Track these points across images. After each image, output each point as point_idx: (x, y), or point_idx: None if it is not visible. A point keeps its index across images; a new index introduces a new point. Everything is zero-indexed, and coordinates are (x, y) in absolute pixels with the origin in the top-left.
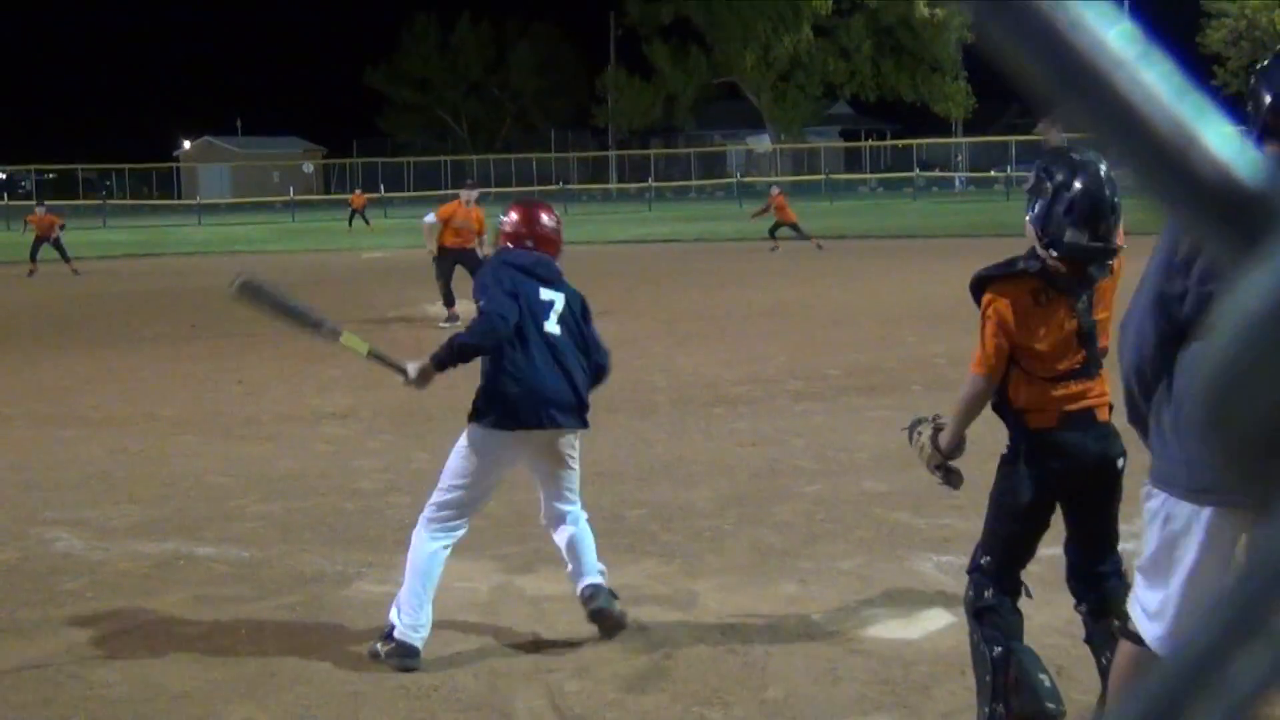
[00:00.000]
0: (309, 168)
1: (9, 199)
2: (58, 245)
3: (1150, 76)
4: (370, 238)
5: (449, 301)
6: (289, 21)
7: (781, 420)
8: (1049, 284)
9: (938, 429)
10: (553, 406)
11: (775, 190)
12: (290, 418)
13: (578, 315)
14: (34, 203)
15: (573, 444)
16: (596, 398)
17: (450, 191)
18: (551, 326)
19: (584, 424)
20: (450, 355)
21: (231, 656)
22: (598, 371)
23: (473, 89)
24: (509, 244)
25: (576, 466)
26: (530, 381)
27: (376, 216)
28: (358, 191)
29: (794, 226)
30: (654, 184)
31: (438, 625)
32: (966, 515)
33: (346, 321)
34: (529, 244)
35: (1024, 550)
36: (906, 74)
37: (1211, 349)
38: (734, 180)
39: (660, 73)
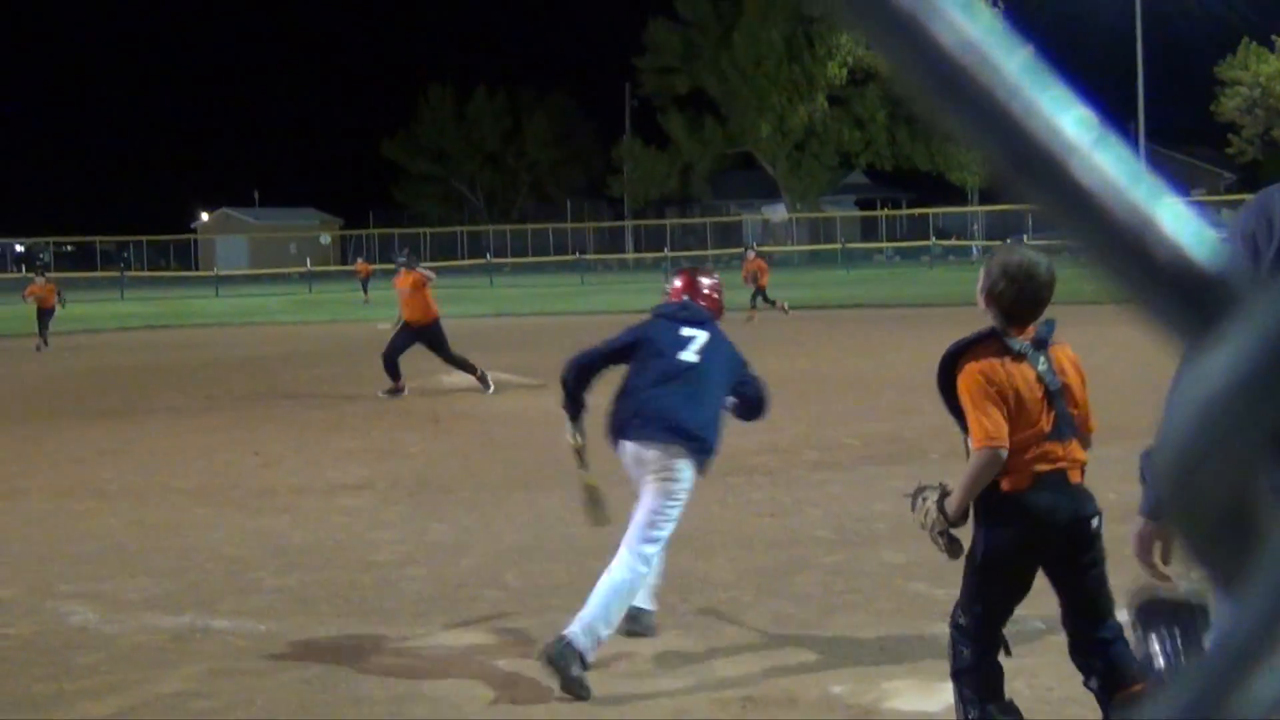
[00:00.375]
0: (326, 239)
1: (26, 271)
2: (46, 315)
3: (1105, 161)
4: (388, 309)
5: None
6: (305, 94)
7: (799, 490)
8: (1006, 347)
9: (944, 494)
10: (658, 425)
11: (750, 253)
12: (306, 489)
13: (725, 352)
14: (44, 276)
15: (679, 471)
16: (612, 469)
17: (469, 261)
18: (688, 355)
19: (691, 451)
20: (563, 389)
21: None
22: (753, 401)
23: (489, 159)
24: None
25: (673, 495)
26: (643, 400)
27: (390, 287)
28: (360, 260)
29: (760, 292)
30: (670, 253)
31: (446, 695)
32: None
33: (362, 393)
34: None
35: (1002, 610)
36: (921, 143)
37: (1170, 431)
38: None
39: (676, 143)
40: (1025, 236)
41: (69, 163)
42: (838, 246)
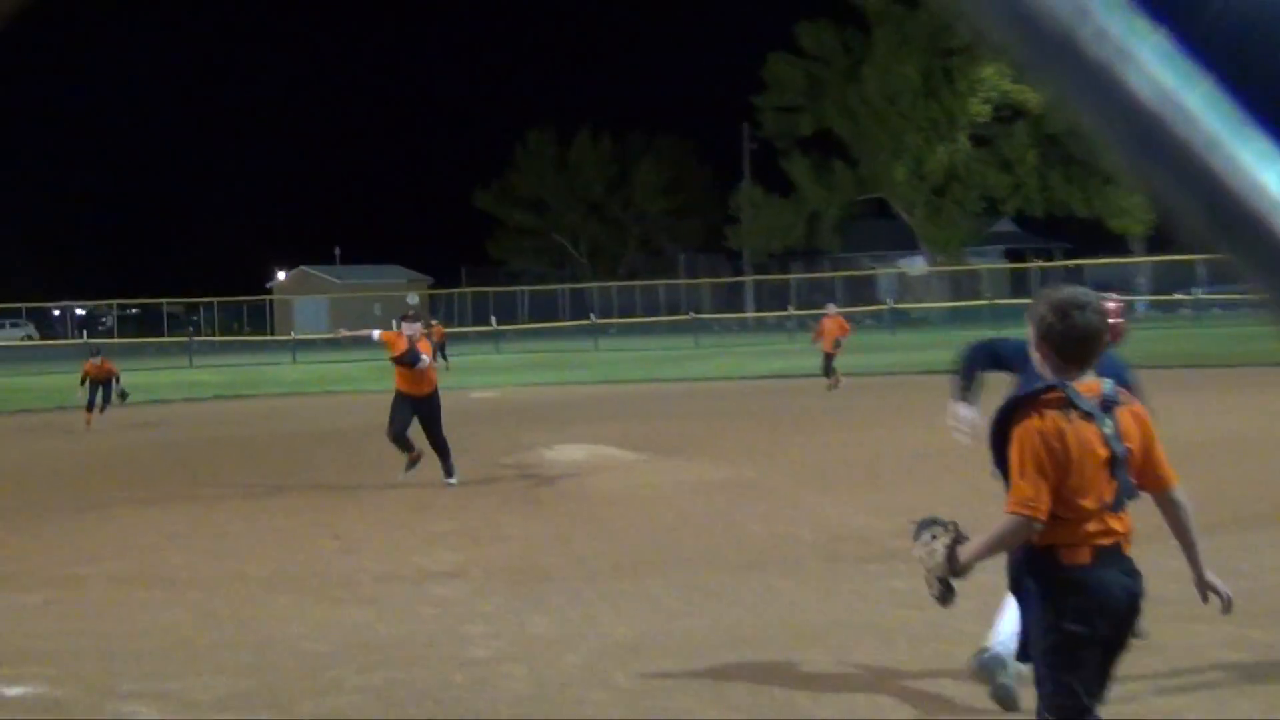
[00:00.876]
0: (414, 299)
1: (88, 336)
2: (105, 390)
3: None
4: (474, 375)
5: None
6: (390, 142)
7: None
8: (1073, 404)
9: (957, 540)
10: None
11: (831, 308)
12: (392, 577)
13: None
14: (100, 355)
15: None
16: (734, 552)
17: (572, 323)
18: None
19: None
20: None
21: None
22: None
23: (593, 210)
24: None
25: None
26: None
27: (488, 351)
28: (435, 323)
29: (827, 358)
30: (794, 312)
31: None
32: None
33: (459, 470)
34: None
35: (1091, 700)
36: (1077, 186)
37: None
38: (886, 307)
39: (800, 189)
40: (1198, 290)
41: (134, 220)
42: (984, 303)
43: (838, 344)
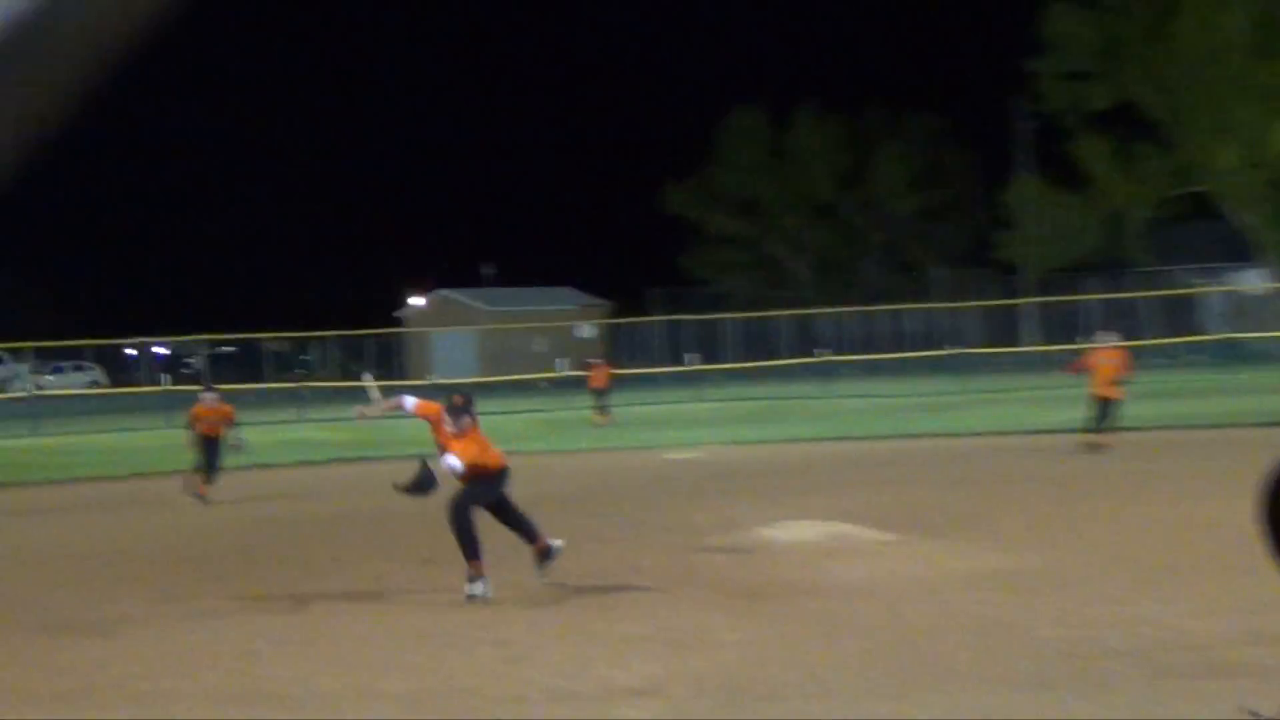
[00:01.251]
0: (587, 330)
1: (173, 382)
2: (211, 447)
3: None
4: (677, 429)
5: None
6: (557, 130)
7: None
8: None
9: None
10: None
11: (1109, 337)
12: (570, 695)
13: None
14: (213, 389)
15: None
16: (1019, 665)
17: (792, 361)
18: None
19: None
20: None
21: None
22: None
23: (820, 212)
24: None
25: None
26: None
27: (685, 398)
28: (597, 362)
29: (1103, 405)
30: (1085, 344)
31: None
32: None
33: (649, 554)
34: None
35: None
36: None
37: None
38: (1213, 338)
39: (1094, 181)
40: None
41: (226, 238)
42: None
43: (1115, 383)
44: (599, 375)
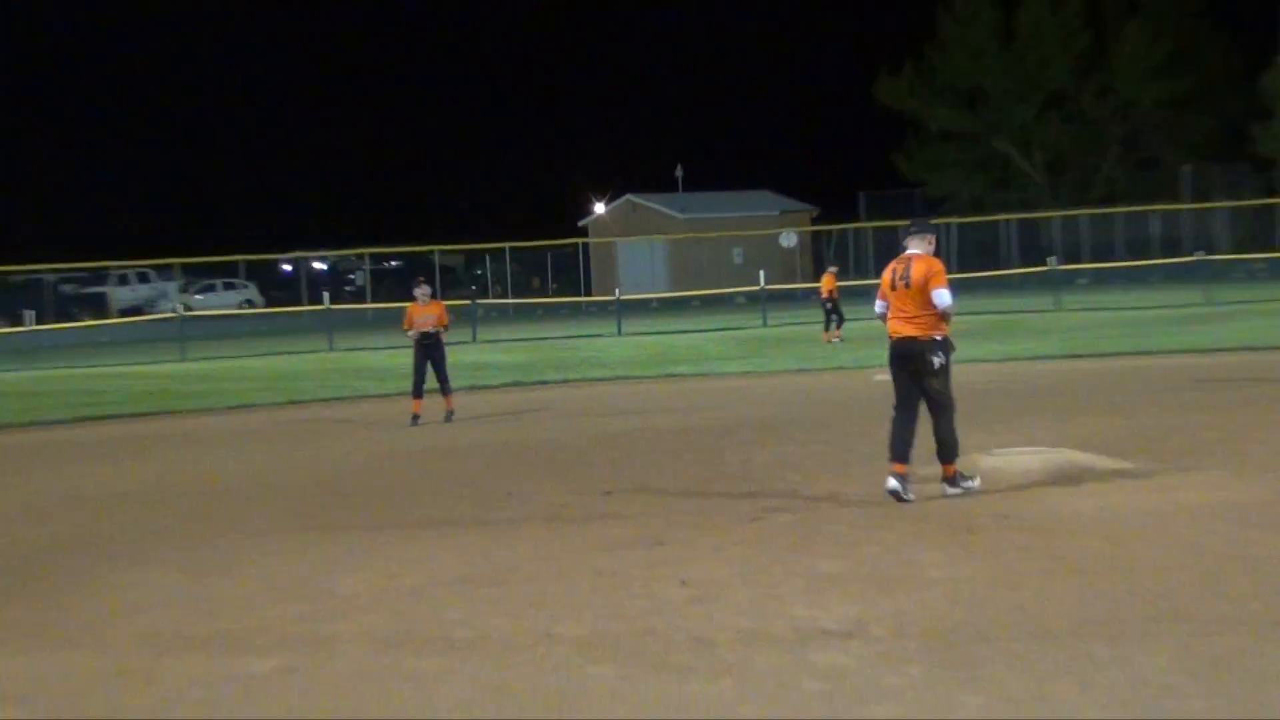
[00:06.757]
0: (791, 239)
1: (331, 302)
2: (435, 355)
3: None
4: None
5: None
6: (751, 15)
7: None
8: None
9: None
10: None
11: None
12: (761, 637)
13: None
14: (425, 286)
15: None
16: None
17: (1024, 270)
18: None
19: None
20: None
21: None
22: None
23: (1053, 102)
24: None
25: None
26: None
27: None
28: (831, 270)
29: None
30: None
31: None
32: None
33: (853, 486)
34: None
35: None
36: None
37: None
38: None
39: None
40: None
41: (389, 142)
42: None
43: None
44: (828, 283)
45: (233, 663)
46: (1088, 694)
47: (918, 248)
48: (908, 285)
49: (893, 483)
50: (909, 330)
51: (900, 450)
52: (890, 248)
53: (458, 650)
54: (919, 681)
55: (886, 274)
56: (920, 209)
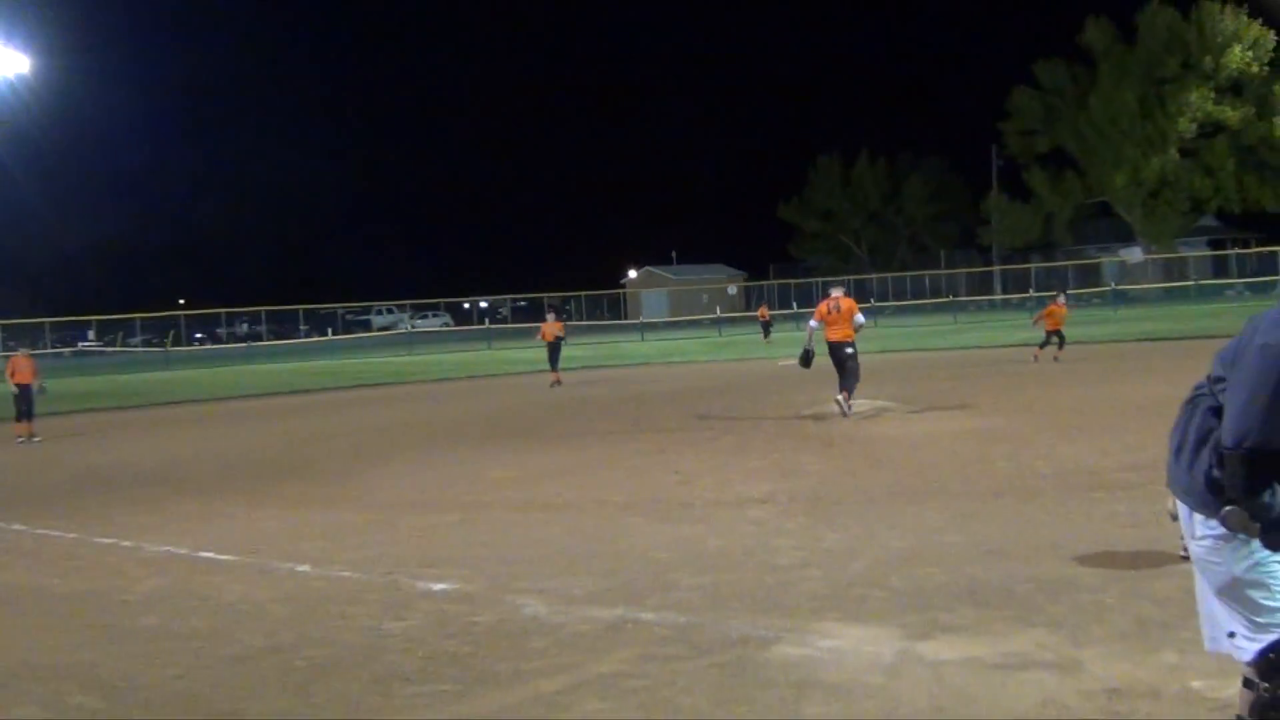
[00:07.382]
0: (733, 290)
1: (489, 323)
2: (553, 352)
3: None
4: (785, 348)
5: None
6: (713, 167)
7: (1158, 504)
8: None
9: None
10: None
11: (1060, 299)
12: (719, 502)
13: None
14: (555, 314)
15: None
16: (986, 483)
17: (861, 305)
18: None
19: None
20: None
21: (670, 705)
22: None
23: (872, 217)
24: None
25: None
26: None
27: (790, 329)
28: (762, 306)
29: (1054, 334)
30: (1034, 294)
31: (841, 684)
32: None
33: (764, 419)
34: None
35: None
36: (1269, 188)
37: None
38: (1109, 289)
39: (1038, 195)
40: None
41: (523, 232)
42: (1190, 284)
43: (1059, 321)
44: (763, 313)
45: (434, 518)
46: (894, 531)
47: (839, 292)
48: (839, 312)
49: (839, 403)
50: (839, 336)
51: (842, 388)
52: (787, 295)
53: (554, 509)
54: (804, 525)
55: (822, 306)
56: (803, 274)
